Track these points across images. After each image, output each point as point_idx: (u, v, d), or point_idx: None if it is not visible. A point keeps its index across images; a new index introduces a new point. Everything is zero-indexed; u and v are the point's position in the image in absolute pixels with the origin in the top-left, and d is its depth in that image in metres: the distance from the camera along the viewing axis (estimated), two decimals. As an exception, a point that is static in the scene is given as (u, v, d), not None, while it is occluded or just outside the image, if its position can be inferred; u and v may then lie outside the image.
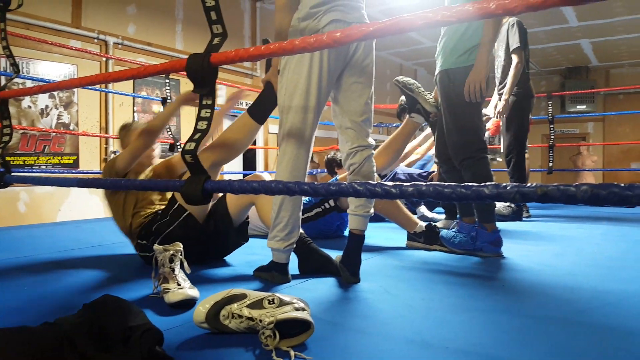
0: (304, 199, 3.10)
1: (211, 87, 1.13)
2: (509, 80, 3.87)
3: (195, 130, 1.13)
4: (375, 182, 0.87)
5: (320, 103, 1.86)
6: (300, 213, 1.96)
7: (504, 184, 0.77)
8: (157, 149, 2.55)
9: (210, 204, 2.28)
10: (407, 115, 3.01)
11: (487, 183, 0.78)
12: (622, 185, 0.70)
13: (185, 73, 1.17)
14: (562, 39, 8.59)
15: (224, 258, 2.45)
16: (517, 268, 2.23)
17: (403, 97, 3.95)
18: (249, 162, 7.44)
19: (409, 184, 0.84)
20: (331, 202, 3.03)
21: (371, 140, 1.98)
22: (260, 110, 2.13)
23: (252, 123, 2.13)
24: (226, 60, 1.10)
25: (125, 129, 2.56)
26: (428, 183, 0.82)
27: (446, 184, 0.81)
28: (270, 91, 2.04)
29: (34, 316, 1.55)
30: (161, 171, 2.52)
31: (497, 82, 4.18)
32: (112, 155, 5.25)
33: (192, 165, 1.13)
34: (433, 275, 2.10)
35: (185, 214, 2.19)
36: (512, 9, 0.76)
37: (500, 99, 4.15)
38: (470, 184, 0.79)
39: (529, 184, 0.75)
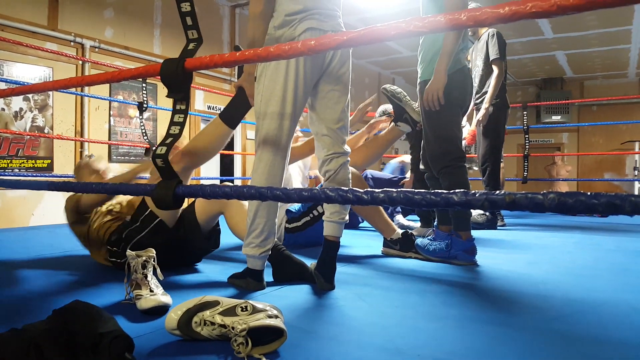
0: (292, 208, 3.10)
1: (185, 92, 1.13)
2: (490, 90, 3.94)
3: (167, 135, 1.12)
4: (348, 189, 0.88)
5: (297, 110, 1.87)
6: (276, 219, 1.96)
7: (473, 192, 0.78)
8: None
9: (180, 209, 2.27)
10: (393, 123, 3.03)
11: (457, 190, 0.79)
12: (589, 193, 0.71)
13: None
14: (537, 50, 8.77)
15: (198, 265, 2.43)
16: (490, 276, 2.25)
17: (382, 107, 3.99)
18: (227, 168, 7.40)
19: (380, 190, 0.84)
20: (319, 209, 3.03)
21: (347, 148, 1.99)
22: (232, 114, 2.13)
23: (224, 127, 2.13)
24: (200, 66, 1.09)
25: (79, 169, 2.68)
26: (399, 190, 0.83)
27: (416, 190, 0.81)
28: (243, 96, 2.05)
29: (1, 322, 1.51)
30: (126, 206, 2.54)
31: (474, 91, 4.24)
32: (86, 160, 5.17)
33: (164, 169, 1.12)
34: (407, 283, 2.11)
35: (157, 221, 2.17)
36: (482, 20, 0.77)
37: (476, 109, 4.22)
38: (440, 191, 0.80)
39: (497, 192, 0.76)
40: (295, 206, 3.12)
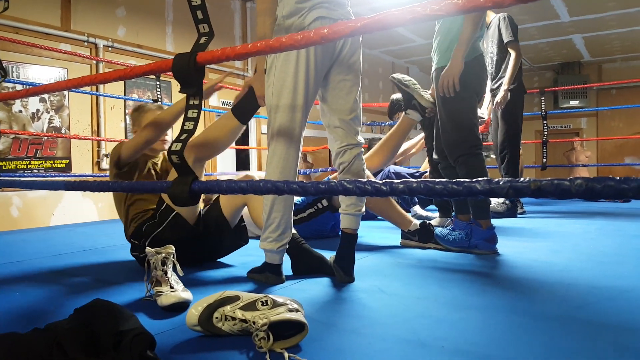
0: (297, 199, 3.09)
1: (198, 86, 1.11)
2: (509, 71, 3.89)
3: (182, 131, 1.11)
4: (366, 180, 0.86)
5: (308, 101, 1.85)
6: (292, 213, 1.95)
7: (497, 179, 0.76)
8: (169, 135, 2.43)
9: (201, 204, 2.27)
10: (403, 112, 3.01)
11: (480, 179, 0.77)
12: (618, 178, 0.69)
13: (175, 73, 1.15)
14: (554, 34, 8.60)
15: (218, 260, 2.44)
16: (512, 265, 2.22)
17: (393, 96, 3.96)
18: (242, 163, 7.42)
19: (399, 181, 0.82)
20: (324, 202, 3.02)
21: (360, 139, 1.97)
22: (243, 111, 2.12)
23: (236, 122, 2.13)
24: (212, 60, 1.08)
25: (138, 111, 2.47)
26: (419, 180, 0.80)
27: (437, 180, 0.79)
28: (252, 95, 2.05)
29: (24, 322, 1.53)
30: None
31: (490, 77, 4.17)
32: (105, 159, 5.22)
33: (179, 165, 1.11)
34: (428, 274, 2.08)
35: (173, 214, 2.18)
36: (501, 1, 0.74)
37: (492, 95, 4.16)
38: (462, 180, 0.77)
39: (522, 179, 0.74)
40: (299, 198, 3.11)
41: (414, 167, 4.90)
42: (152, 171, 2.44)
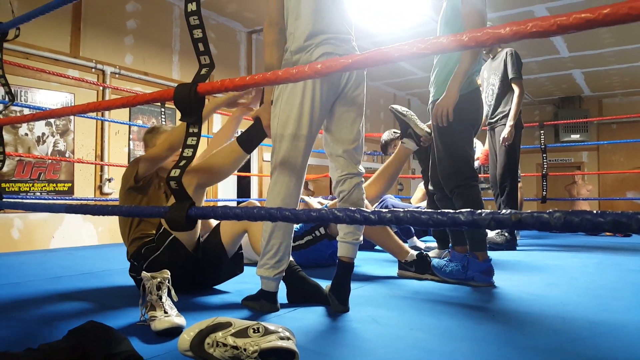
0: (295, 226, 3.11)
1: (198, 115, 1.15)
2: (513, 108, 3.96)
3: (181, 158, 1.15)
4: (355, 209, 0.88)
5: (313, 132, 1.89)
6: (291, 241, 1.97)
7: (480, 211, 0.78)
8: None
9: (199, 230, 2.28)
10: (400, 142, 3.06)
11: (463, 210, 0.79)
12: (594, 212, 0.71)
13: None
14: (554, 69, 8.72)
15: (214, 286, 2.44)
16: (508, 298, 2.22)
17: (385, 134, 4.10)
18: (244, 190, 7.45)
19: (387, 210, 0.85)
20: (322, 230, 3.04)
21: (361, 168, 2.01)
22: (249, 141, 2.17)
23: (240, 151, 2.17)
24: (212, 90, 1.12)
25: (152, 132, 2.58)
26: (405, 210, 0.83)
27: (423, 210, 0.82)
28: (259, 126, 2.09)
29: (18, 342, 1.53)
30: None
31: (489, 110, 4.22)
32: (107, 183, 5.26)
33: (177, 191, 1.14)
34: (423, 305, 2.09)
35: (170, 238, 2.19)
36: (484, 41, 0.78)
37: (490, 128, 4.21)
38: (446, 210, 0.80)
39: (503, 211, 0.76)
40: (297, 225, 3.13)
41: (406, 197, 4.92)
42: (163, 190, 2.50)
